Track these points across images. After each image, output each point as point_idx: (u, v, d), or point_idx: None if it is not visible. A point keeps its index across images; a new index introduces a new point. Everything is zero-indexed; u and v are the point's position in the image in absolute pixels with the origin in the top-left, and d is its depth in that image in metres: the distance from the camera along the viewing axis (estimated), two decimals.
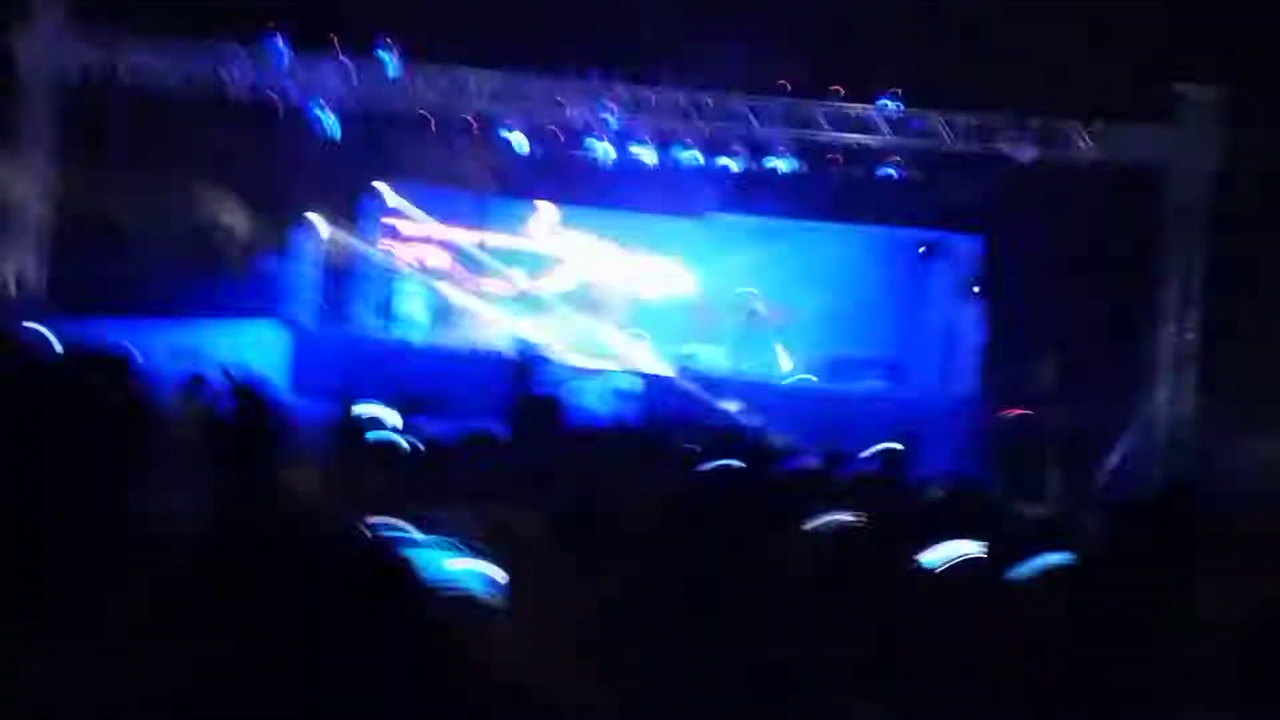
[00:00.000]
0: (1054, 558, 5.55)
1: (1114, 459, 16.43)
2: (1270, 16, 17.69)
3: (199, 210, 23.27)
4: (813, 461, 8.92)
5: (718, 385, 18.83)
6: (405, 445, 6.39)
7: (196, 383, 10.19)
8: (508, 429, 7.05)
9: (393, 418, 7.39)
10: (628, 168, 19.55)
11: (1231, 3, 18.44)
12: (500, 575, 3.20)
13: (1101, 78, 17.77)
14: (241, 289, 21.91)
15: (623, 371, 19.30)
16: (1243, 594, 4.99)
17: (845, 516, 6.22)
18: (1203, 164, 17.38)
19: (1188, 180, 17.50)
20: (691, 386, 18.43)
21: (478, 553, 3.28)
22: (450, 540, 3.24)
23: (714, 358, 20.90)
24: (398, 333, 20.61)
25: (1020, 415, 17.21)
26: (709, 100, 18.49)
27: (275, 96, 19.34)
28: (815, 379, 20.10)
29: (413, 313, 20.62)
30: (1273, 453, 15.92)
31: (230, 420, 6.96)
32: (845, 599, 5.04)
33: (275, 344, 20.36)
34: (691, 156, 18.90)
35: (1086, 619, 4.56)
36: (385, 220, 22.57)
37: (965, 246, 21.30)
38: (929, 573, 5.14)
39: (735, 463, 7.60)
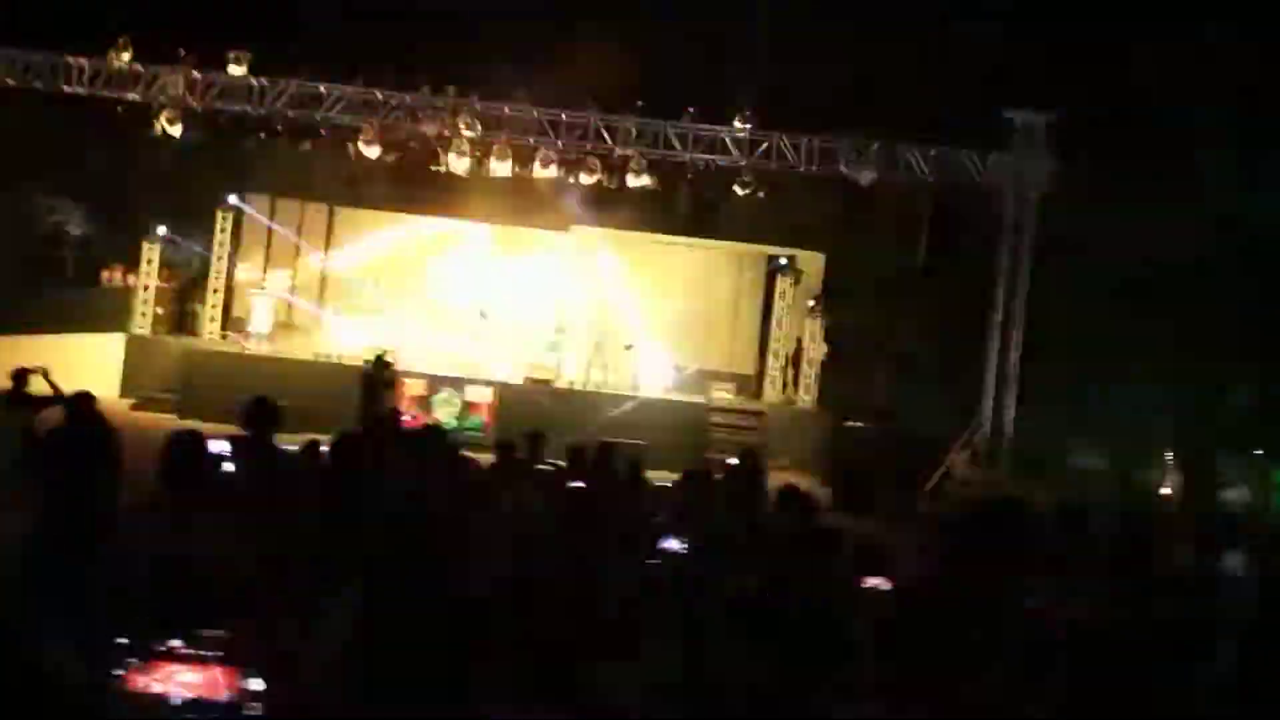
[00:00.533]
0: (874, 582, 5.95)
1: (940, 472, 17.15)
2: (1096, 46, 18.89)
3: (40, 219, 22.59)
4: (665, 485, 9.26)
5: (568, 397, 19.18)
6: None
7: (20, 394, 9.99)
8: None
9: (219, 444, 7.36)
10: (485, 182, 19.67)
11: (1061, 34, 19.61)
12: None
13: (938, 104, 18.66)
14: (82, 301, 21.37)
15: (474, 380, 19.43)
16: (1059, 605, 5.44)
17: (676, 544, 6.57)
18: (1031, 187, 18.24)
19: (1017, 202, 18.35)
20: (542, 398, 18.66)
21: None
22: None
23: (568, 369, 21.27)
24: (240, 343, 20.33)
25: (854, 429, 17.81)
26: (563, 116, 18.71)
27: (119, 101, 18.89)
28: (668, 391, 20.49)
29: (257, 323, 20.34)
30: (1089, 463, 16.99)
31: (59, 431, 6.91)
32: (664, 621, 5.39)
33: (113, 356, 19.94)
34: (547, 171, 19.08)
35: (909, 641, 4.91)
36: (234, 231, 22.26)
37: (810, 263, 22.11)
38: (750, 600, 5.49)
39: (579, 485, 7.90)
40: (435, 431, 8.73)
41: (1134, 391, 18.27)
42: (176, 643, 3.25)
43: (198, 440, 4.86)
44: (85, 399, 7.05)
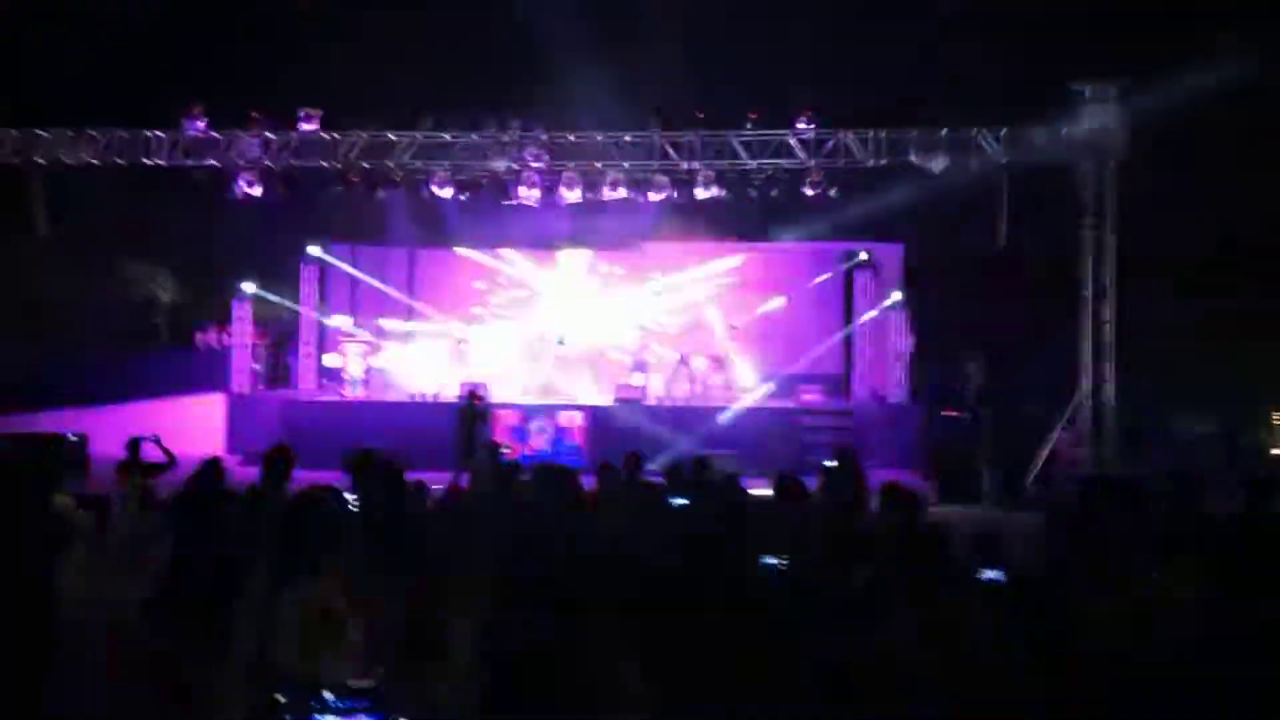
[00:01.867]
0: (989, 574, 5.94)
1: (1045, 455, 16.87)
2: (1160, 8, 18.50)
3: (131, 287, 23.40)
4: (764, 493, 9.29)
5: (657, 413, 19.32)
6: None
7: (135, 461, 10.40)
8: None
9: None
10: (556, 209, 19.91)
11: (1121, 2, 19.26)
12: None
13: (1003, 84, 18.40)
14: (179, 363, 22.09)
15: (564, 406, 19.68)
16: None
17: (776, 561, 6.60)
18: (1108, 155, 17.89)
19: (1094, 172, 18.01)
20: (632, 416, 18.82)
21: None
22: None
23: (655, 384, 21.43)
24: (337, 391, 20.80)
25: (951, 417, 17.62)
26: (628, 138, 18.85)
27: (198, 168, 19.50)
28: (759, 401, 20.52)
29: (351, 370, 20.80)
30: (1188, 433, 16.56)
31: (185, 489, 7.24)
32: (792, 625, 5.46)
33: (215, 414, 20.58)
34: (616, 193, 19.23)
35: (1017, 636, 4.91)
36: (319, 282, 22.83)
37: (887, 256, 21.97)
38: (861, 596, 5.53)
39: (682, 501, 7.96)
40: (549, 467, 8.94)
41: (1234, 352, 17.80)
42: (328, 696, 3.39)
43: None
44: (213, 464, 7.33)
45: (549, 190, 19.45)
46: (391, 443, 18.24)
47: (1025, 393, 18.16)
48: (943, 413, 18.24)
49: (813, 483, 10.14)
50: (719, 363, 21.19)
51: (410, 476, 8.80)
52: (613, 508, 7.76)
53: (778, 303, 22.29)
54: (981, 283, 19.76)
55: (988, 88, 18.57)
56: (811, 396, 20.66)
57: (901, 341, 20.82)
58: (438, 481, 12.62)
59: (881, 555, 6.07)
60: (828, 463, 10.26)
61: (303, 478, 7.86)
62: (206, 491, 6.86)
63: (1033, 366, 18.54)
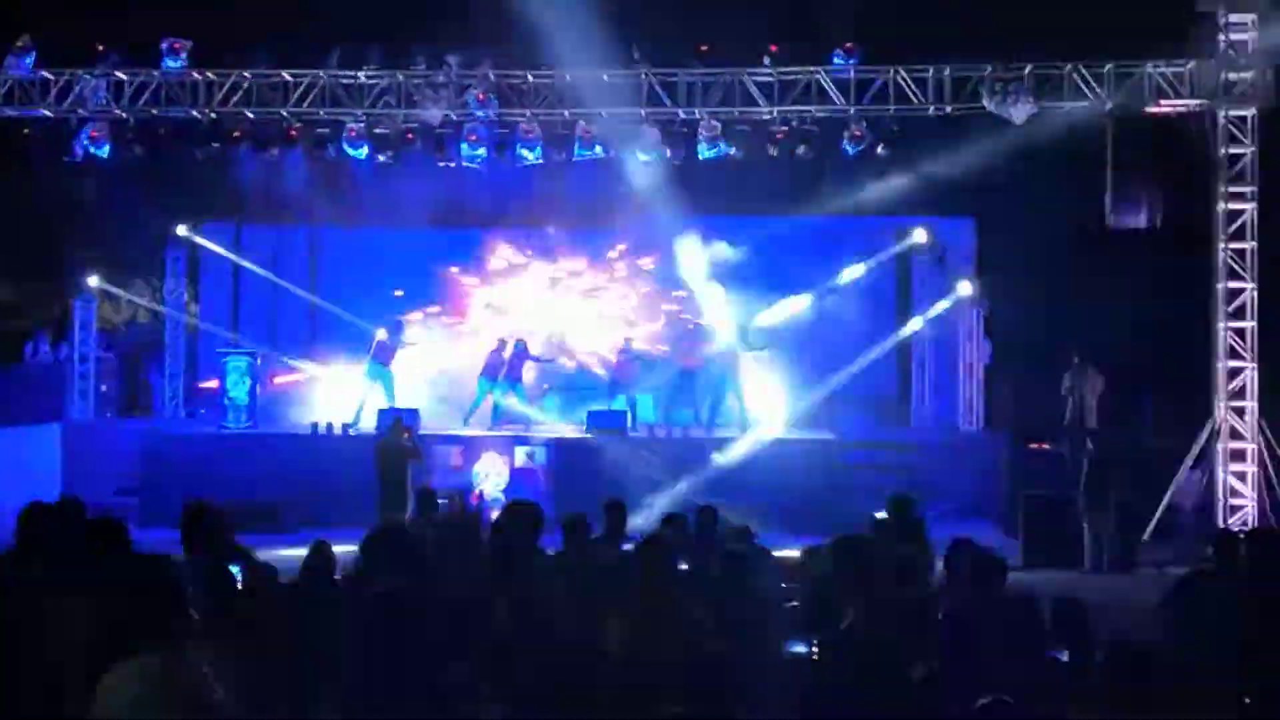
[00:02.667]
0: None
1: (1164, 504, 16.91)
2: None
3: None
4: (790, 558, 9.30)
5: (648, 447, 19.34)
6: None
7: None
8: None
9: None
10: (508, 175, 19.94)
11: None
12: None
13: (1107, 6, 18.48)
14: (10, 387, 22.02)
15: (522, 439, 19.68)
16: None
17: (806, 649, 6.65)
18: (1247, 102, 17.96)
19: (1229, 124, 18.09)
20: (613, 451, 18.81)
21: None
22: None
23: (642, 408, 21.47)
24: (217, 421, 20.71)
25: (1041, 452, 17.67)
26: (605, 77, 18.89)
27: (24, 121, 19.47)
28: (785, 430, 20.52)
29: (232, 391, 20.75)
30: None
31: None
32: None
33: (48, 451, 20.52)
34: (591, 151, 19.28)
35: None
36: (190, 274, 22.80)
37: (954, 235, 22.06)
38: None
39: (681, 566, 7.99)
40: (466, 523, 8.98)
41: None
42: None
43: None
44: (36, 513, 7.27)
45: (500, 148, 19.47)
46: (288, 490, 18.58)
47: (1140, 418, 18.21)
48: (1030, 445, 18.26)
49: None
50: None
51: (311, 537, 8.84)
52: (584, 576, 7.77)
53: (808, 300, 22.32)
54: (1080, 271, 19.83)
55: (1086, 11, 18.67)
56: (857, 424, 20.65)
57: (974, 350, 20.86)
58: (352, 542, 12.63)
59: (948, 640, 6.09)
60: (878, 514, 10.29)
61: (166, 539, 7.87)
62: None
63: (1150, 382, 18.59)
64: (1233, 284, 18.14)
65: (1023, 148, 18.15)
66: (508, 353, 21.12)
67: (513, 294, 23.41)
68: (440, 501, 14.04)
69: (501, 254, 23.49)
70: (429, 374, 22.29)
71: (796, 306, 22.36)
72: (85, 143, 19.17)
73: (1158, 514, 17.01)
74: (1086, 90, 18.28)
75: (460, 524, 9.59)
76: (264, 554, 8.43)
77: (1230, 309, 18.15)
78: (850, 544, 7.44)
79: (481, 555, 7.82)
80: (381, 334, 21.04)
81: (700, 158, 19.22)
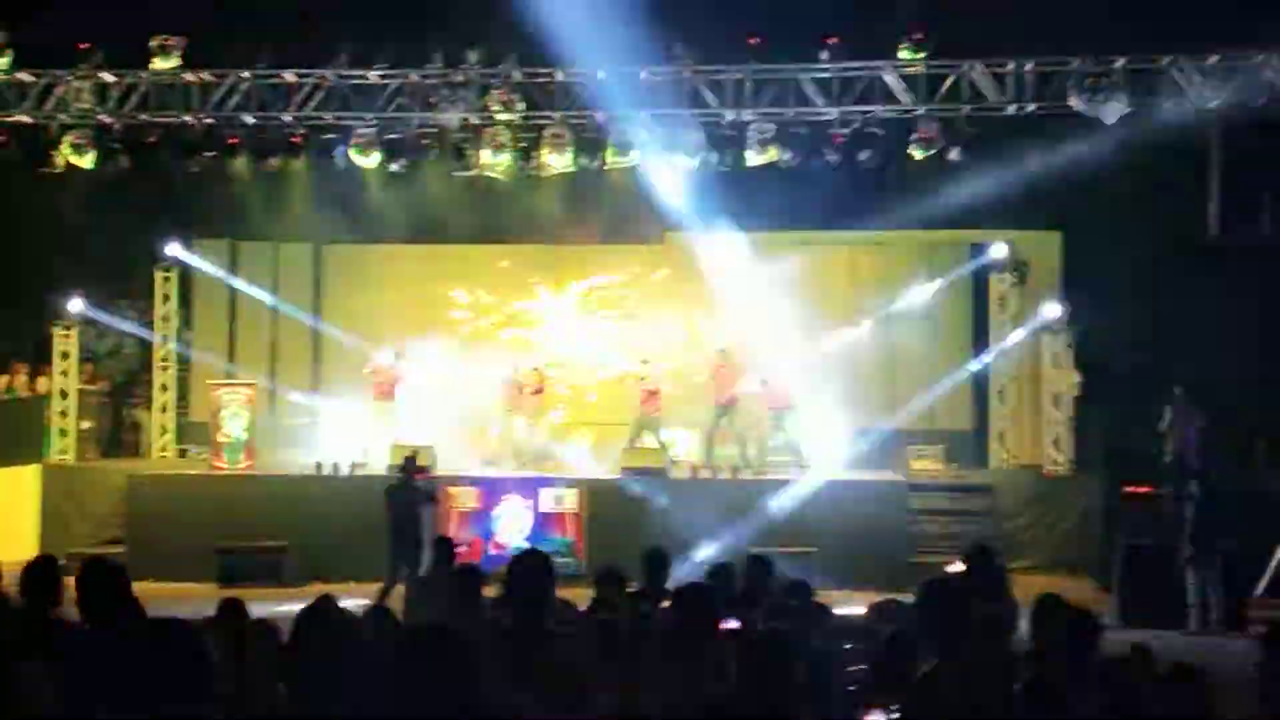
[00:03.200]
0: None
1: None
2: None
3: None
4: (854, 615, 9.16)
5: (690, 488, 19.23)
6: None
7: None
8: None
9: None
10: (534, 184, 19.94)
11: None
12: None
13: None
14: None
15: (550, 479, 19.61)
16: None
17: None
18: None
19: None
20: (652, 494, 18.72)
21: None
22: None
23: (682, 444, 21.34)
24: (208, 460, 20.73)
25: (1140, 496, 17.47)
26: (644, 75, 18.87)
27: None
28: (843, 466, 20.39)
29: (228, 428, 20.74)
30: None
31: None
32: None
33: (25, 496, 20.54)
34: (626, 158, 19.25)
35: None
36: (181, 297, 22.81)
37: (1037, 250, 21.91)
38: None
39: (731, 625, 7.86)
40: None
41: None
42: None
43: None
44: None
45: (525, 155, 19.46)
46: (291, 538, 18.56)
47: (1253, 457, 17.96)
48: (1127, 489, 18.06)
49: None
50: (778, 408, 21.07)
51: (316, 591, 8.75)
52: (620, 640, 7.64)
53: (870, 325, 22.20)
54: (1182, 290, 19.65)
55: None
56: (927, 464, 20.50)
57: (1061, 380, 20.68)
58: (364, 596, 12.53)
59: (1035, 706, 5.96)
60: (952, 566, 10.14)
61: (153, 591, 7.78)
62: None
63: (1263, 417, 18.36)
64: None
65: (1116, 151, 18.03)
66: (527, 383, 21.05)
67: (538, 317, 23.35)
68: (459, 550, 13.97)
69: (527, 272, 23.44)
70: (444, 406, 22.24)
71: (858, 332, 22.23)
72: (67, 151, 19.26)
73: (1271, 566, 16.75)
74: (1188, 86, 18.13)
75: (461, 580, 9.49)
76: (262, 610, 8.35)
77: None
78: (941, 588, 7.31)
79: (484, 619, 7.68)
80: (382, 362, 21.01)
81: (749, 165, 19.14)
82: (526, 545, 18.46)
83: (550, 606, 7.58)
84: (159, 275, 22.48)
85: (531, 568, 7.14)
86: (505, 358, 22.36)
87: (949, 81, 18.68)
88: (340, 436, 21.28)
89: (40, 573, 6.96)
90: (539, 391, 21.24)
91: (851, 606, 10.09)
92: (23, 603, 6.76)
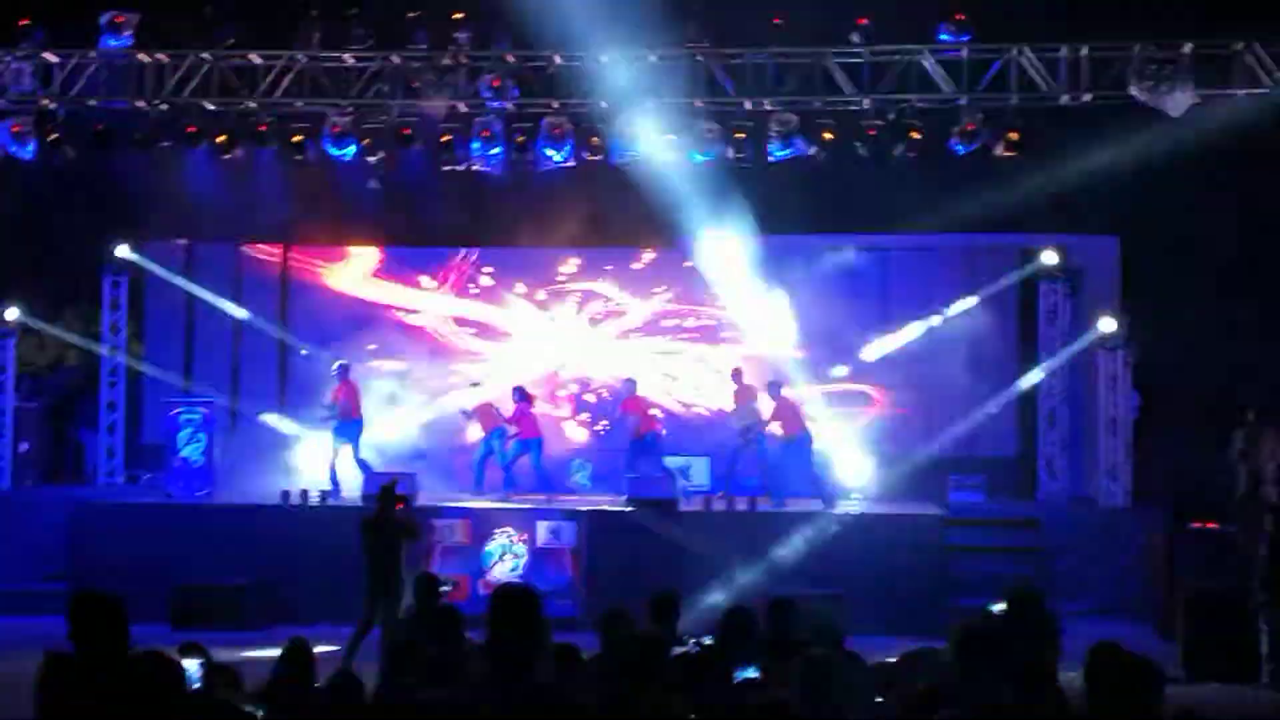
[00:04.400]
0: None
1: None
2: None
3: None
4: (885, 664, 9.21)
5: (704, 522, 19.28)
6: None
7: None
8: None
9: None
10: (529, 180, 19.99)
11: None
12: None
13: None
14: None
15: (546, 510, 19.68)
16: None
17: None
18: None
19: None
20: (661, 528, 18.75)
21: None
22: None
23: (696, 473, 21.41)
24: (164, 487, 20.75)
25: (1207, 533, 17.52)
26: (651, 58, 18.94)
27: None
28: (875, 497, 20.46)
29: (185, 451, 20.80)
30: None
31: None
32: None
33: None
34: (632, 153, 19.31)
35: None
36: (131, 304, 22.85)
37: (1092, 257, 22.00)
38: None
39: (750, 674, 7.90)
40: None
41: None
42: None
43: None
44: None
45: (520, 147, 19.51)
46: (253, 575, 18.60)
47: None
48: (1191, 525, 18.10)
49: None
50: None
51: (279, 634, 8.80)
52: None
53: (906, 338, 22.26)
54: (1254, 303, 19.69)
55: None
56: (966, 495, 20.55)
57: (1118, 402, 20.74)
58: (333, 641, 12.60)
59: None
60: (995, 606, 10.19)
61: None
62: None
63: None
64: None
65: (1181, 147, 18.08)
66: (520, 400, 21.13)
67: (532, 326, 23.42)
68: (443, 589, 14.02)
69: (520, 276, 23.52)
70: (425, 427, 22.35)
71: (892, 346, 22.32)
72: (4, 140, 19.34)
73: None
74: (1263, 74, 18.20)
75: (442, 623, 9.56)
76: (222, 655, 8.41)
77: None
78: (980, 635, 7.36)
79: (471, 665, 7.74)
80: (336, 376, 21.20)
81: (771, 159, 19.22)
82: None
83: (542, 654, 7.62)
84: (107, 280, 22.53)
85: (515, 604, 7.08)
86: (496, 371, 22.44)
87: (995, 68, 18.74)
88: (309, 462, 21.33)
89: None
90: (532, 409, 21.28)
91: (883, 655, 10.14)
92: None
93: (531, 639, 6.97)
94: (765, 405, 20.65)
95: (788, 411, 20.34)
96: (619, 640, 8.54)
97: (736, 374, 21.10)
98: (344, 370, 21.06)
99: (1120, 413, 20.77)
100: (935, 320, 22.19)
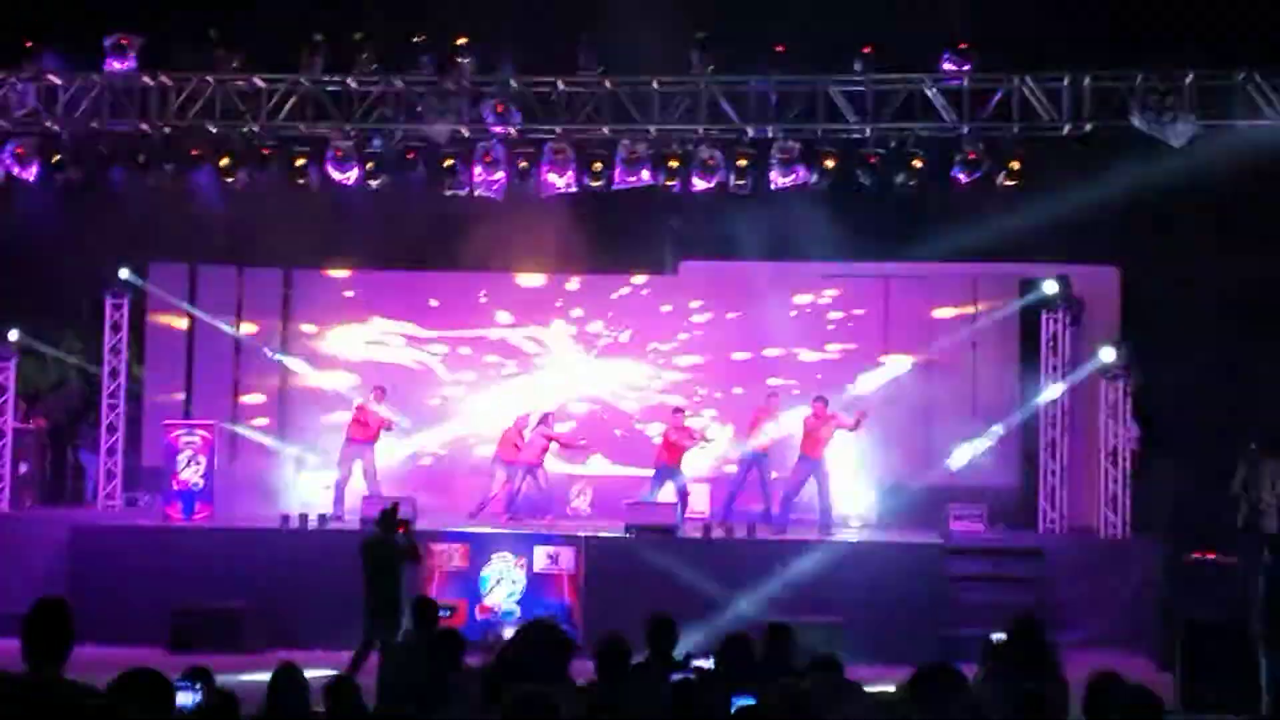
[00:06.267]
0: None
1: None
2: None
3: None
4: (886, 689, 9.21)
5: (703, 549, 19.29)
6: None
7: None
8: None
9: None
10: (532, 206, 19.99)
11: None
12: None
13: None
14: None
15: (545, 535, 19.66)
16: None
17: None
18: None
19: None
20: (659, 555, 18.72)
21: None
22: None
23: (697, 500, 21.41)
24: (163, 510, 20.72)
25: (1207, 564, 17.48)
26: (655, 85, 18.96)
27: None
28: (876, 532, 20.44)
29: (183, 472, 20.76)
30: None
31: None
32: None
33: None
34: (635, 177, 19.30)
35: None
36: (133, 327, 22.83)
37: (1093, 287, 22.02)
38: None
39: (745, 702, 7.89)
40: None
41: None
42: None
43: None
44: None
45: (523, 173, 19.52)
46: (252, 598, 18.58)
47: None
48: (1191, 556, 18.07)
49: (971, 672, 10.03)
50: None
51: (278, 658, 8.78)
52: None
53: (905, 366, 22.28)
54: (1256, 333, 19.68)
55: (1264, 3, 18.67)
56: (967, 525, 20.55)
57: (1118, 432, 20.72)
58: (331, 665, 12.55)
59: None
60: (995, 636, 10.18)
61: (95, 657, 7.84)
62: None
63: None
64: None
65: (1182, 178, 18.09)
66: (527, 431, 21.16)
67: (535, 353, 23.43)
68: (442, 614, 14.00)
69: (523, 303, 23.53)
70: (426, 452, 22.34)
71: (892, 375, 22.32)
72: (8, 161, 19.34)
73: None
74: (1265, 105, 18.21)
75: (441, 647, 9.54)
76: (221, 679, 8.39)
77: None
78: (935, 678, 7.39)
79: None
80: (359, 402, 21.13)
81: (773, 186, 19.23)
82: (517, 609, 18.59)
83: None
84: (109, 302, 22.53)
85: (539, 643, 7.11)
86: (499, 399, 22.45)
87: (997, 97, 18.77)
88: (310, 485, 21.32)
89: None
90: (526, 435, 21.29)
91: (882, 685, 10.13)
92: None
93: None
94: (783, 426, 20.71)
95: (817, 432, 20.38)
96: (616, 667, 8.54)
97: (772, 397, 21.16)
98: (381, 391, 21.20)
99: (1120, 443, 20.76)
100: (936, 349, 22.22)
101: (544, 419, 21.42)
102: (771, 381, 22.09)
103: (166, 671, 6.40)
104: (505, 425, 21.61)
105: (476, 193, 19.65)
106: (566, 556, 19.27)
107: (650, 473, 21.20)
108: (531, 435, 21.18)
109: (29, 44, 19.36)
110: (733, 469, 21.73)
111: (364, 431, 21.02)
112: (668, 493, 20.80)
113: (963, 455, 21.55)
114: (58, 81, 19.42)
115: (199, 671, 7.77)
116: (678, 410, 21.51)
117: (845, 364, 22.39)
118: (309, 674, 8.28)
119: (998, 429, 21.62)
